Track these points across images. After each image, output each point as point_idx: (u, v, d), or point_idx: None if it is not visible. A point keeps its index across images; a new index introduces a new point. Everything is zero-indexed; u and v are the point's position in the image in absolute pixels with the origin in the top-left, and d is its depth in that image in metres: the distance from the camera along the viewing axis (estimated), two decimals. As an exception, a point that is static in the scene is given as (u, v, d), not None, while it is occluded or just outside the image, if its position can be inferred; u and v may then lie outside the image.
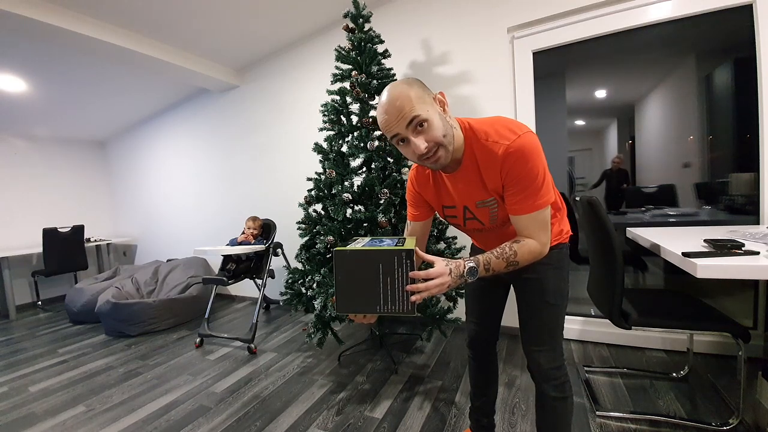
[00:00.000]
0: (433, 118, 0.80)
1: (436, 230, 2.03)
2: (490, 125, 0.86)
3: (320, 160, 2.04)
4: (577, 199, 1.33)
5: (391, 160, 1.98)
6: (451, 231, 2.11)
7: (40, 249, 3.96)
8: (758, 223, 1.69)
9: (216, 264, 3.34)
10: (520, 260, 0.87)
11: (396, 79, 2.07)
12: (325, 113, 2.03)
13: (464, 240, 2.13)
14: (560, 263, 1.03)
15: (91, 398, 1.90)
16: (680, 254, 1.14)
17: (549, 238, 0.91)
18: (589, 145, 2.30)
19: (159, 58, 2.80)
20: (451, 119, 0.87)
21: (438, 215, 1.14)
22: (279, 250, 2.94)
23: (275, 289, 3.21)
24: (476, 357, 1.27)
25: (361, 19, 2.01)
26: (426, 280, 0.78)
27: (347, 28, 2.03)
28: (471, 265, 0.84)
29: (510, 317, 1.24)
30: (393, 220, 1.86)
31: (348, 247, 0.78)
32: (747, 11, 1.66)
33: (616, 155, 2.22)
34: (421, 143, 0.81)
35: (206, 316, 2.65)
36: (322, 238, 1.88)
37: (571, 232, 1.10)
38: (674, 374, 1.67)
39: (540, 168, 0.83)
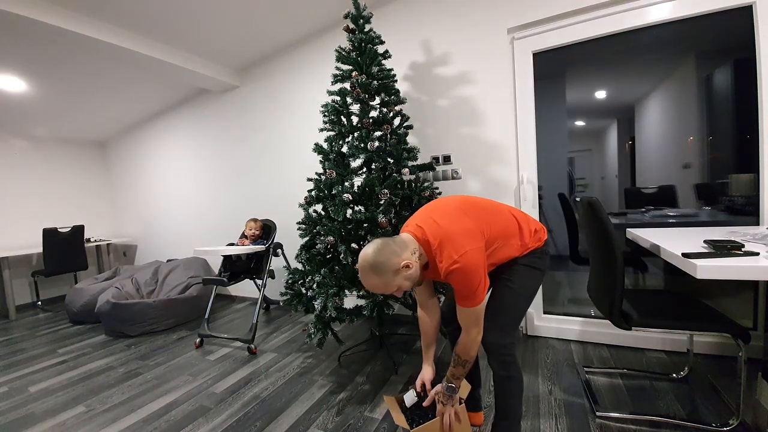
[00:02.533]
0: (400, 287, 1.08)
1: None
2: (440, 246, 1.06)
3: (320, 161, 2.04)
4: (578, 199, 1.33)
5: (392, 161, 1.98)
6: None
7: (40, 249, 3.96)
8: (758, 224, 1.69)
9: (216, 264, 3.34)
10: (462, 355, 1.13)
11: (396, 80, 2.08)
12: (326, 114, 2.02)
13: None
14: (533, 263, 1.20)
15: (91, 398, 1.90)
16: (680, 255, 1.14)
17: (479, 330, 1.11)
18: (589, 145, 2.31)
19: (159, 58, 2.80)
20: (415, 258, 1.09)
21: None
22: (279, 251, 2.94)
23: (275, 289, 3.21)
24: (450, 333, 1.39)
25: (361, 20, 2.02)
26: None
27: (348, 29, 2.03)
28: (449, 385, 1.17)
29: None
30: (393, 220, 1.86)
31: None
32: (747, 12, 1.66)
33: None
34: (397, 295, 1.22)
35: (206, 317, 2.65)
36: (322, 238, 1.88)
37: (546, 237, 1.25)
38: (674, 375, 1.67)
39: (474, 280, 1.03)
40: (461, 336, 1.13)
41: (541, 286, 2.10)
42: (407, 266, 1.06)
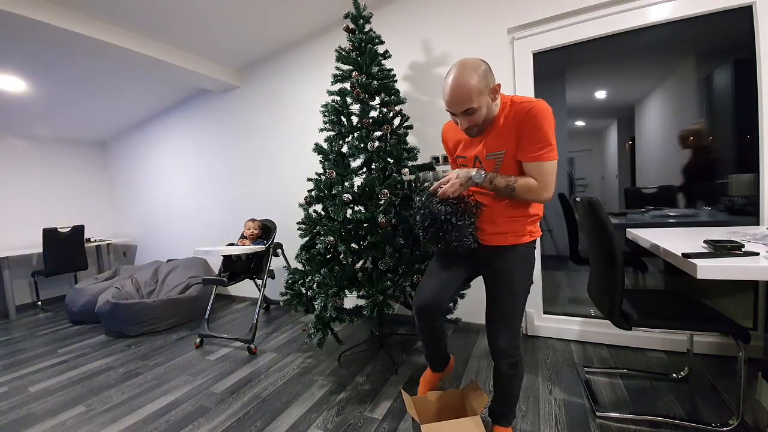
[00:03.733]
0: (481, 108, 1.07)
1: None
2: (521, 96, 1.13)
3: (320, 161, 2.04)
4: (578, 199, 1.34)
5: (392, 161, 1.98)
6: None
7: (40, 249, 3.96)
8: (758, 224, 1.69)
9: (216, 264, 3.34)
10: (517, 188, 1.09)
11: (396, 80, 2.08)
12: (326, 114, 2.03)
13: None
14: (528, 259, 1.23)
15: (91, 398, 1.90)
16: (680, 255, 1.14)
17: (551, 190, 1.10)
18: (589, 145, 2.31)
19: (159, 58, 2.80)
20: (497, 100, 1.12)
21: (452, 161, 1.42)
22: (279, 251, 2.94)
23: (275, 289, 3.21)
24: (427, 325, 1.33)
25: (361, 20, 2.02)
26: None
27: (348, 29, 2.03)
28: (477, 169, 1.10)
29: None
30: (393, 220, 1.86)
31: None
32: (747, 12, 1.66)
33: (693, 123, 1.86)
34: (463, 123, 1.13)
35: (206, 317, 2.65)
36: (322, 238, 1.88)
37: (540, 233, 1.28)
38: (674, 375, 1.67)
39: (552, 129, 1.07)
40: (531, 179, 1.10)
41: (541, 287, 2.17)
42: (497, 90, 1.09)
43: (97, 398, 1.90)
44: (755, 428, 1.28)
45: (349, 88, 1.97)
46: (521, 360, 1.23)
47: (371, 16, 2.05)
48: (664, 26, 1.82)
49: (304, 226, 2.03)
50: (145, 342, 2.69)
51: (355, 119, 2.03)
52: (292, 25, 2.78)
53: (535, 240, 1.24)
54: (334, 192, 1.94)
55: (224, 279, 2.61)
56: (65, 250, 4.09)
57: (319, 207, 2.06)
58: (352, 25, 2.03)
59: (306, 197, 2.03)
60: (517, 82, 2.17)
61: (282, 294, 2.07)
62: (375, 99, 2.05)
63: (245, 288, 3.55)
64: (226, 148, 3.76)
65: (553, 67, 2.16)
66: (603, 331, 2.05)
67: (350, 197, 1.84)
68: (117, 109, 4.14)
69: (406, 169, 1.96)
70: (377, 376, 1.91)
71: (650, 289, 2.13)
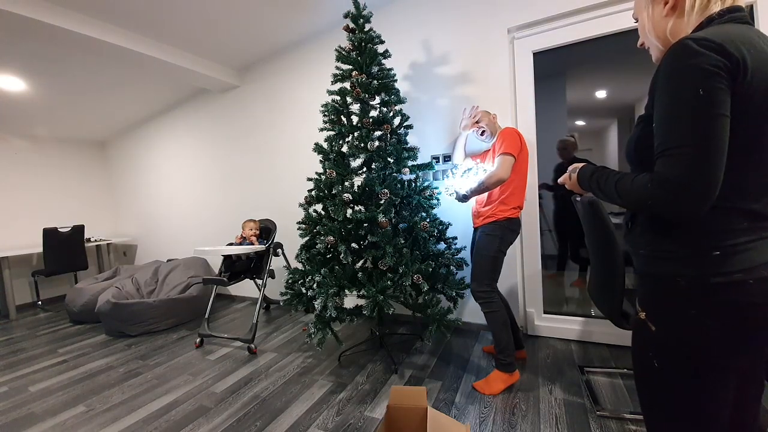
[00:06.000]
0: (482, 124, 1.87)
1: (436, 230, 2.03)
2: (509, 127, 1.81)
3: (320, 161, 2.04)
4: (578, 199, 1.33)
5: (392, 161, 1.98)
6: (452, 231, 2.12)
7: (40, 249, 3.96)
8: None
9: (216, 264, 3.34)
10: (485, 181, 1.69)
11: (396, 79, 2.09)
12: (326, 113, 2.02)
13: (464, 240, 2.14)
14: (493, 232, 1.73)
15: (91, 398, 1.90)
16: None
17: (503, 171, 1.65)
18: (589, 145, 2.30)
19: (159, 58, 2.80)
20: (495, 125, 1.88)
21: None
22: (279, 250, 2.94)
23: (275, 289, 3.21)
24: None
25: (361, 20, 2.01)
26: None
27: (348, 29, 2.03)
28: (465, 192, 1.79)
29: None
30: (393, 220, 1.86)
31: None
32: (747, 12, 1.66)
33: (566, 135, 2.23)
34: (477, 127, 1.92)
35: (206, 316, 2.65)
36: (322, 238, 1.88)
37: (506, 215, 1.73)
38: (674, 375, 1.67)
39: (507, 142, 1.68)
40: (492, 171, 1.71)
41: (541, 287, 2.10)
42: (492, 117, 1.89)
43: (97, 398, 1.90)
44: (755, 428, 1.28)
45: (349, 88, 1.97)
46: (490, 302, 1.69)
47: (371, 16, 2.05)
48: (664, 26, 1.81)
49: (304, 225, 2.03)
50: (145, 342, 2.69)
51: (355, 119, 2.03)
52: (292, 24, 2.78)
53: (495, 220, 1.72)
54: (334, 192, 1.94)
55: (224, 279, 2.61)
56: (65, 249, 4.09)
57: (319, 207, 2.06)
58: (352, 25, 2.03)
59: (306, 197, 2.03)
60: (518, 81, 2.17)
61: (282, 294, 2.07)
62: (375, 98, 2.05)
63: (245, 288, 3.55)
64: (226, 148, 3.76)
65: (553, 67, 2.16)
66: (603, 330, 2.05)
67: (350, 197, 1.84)
68: (117, 109, 4.13)
69: (406, 169, 1.96)
70: (377, 376, 1.91)
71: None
